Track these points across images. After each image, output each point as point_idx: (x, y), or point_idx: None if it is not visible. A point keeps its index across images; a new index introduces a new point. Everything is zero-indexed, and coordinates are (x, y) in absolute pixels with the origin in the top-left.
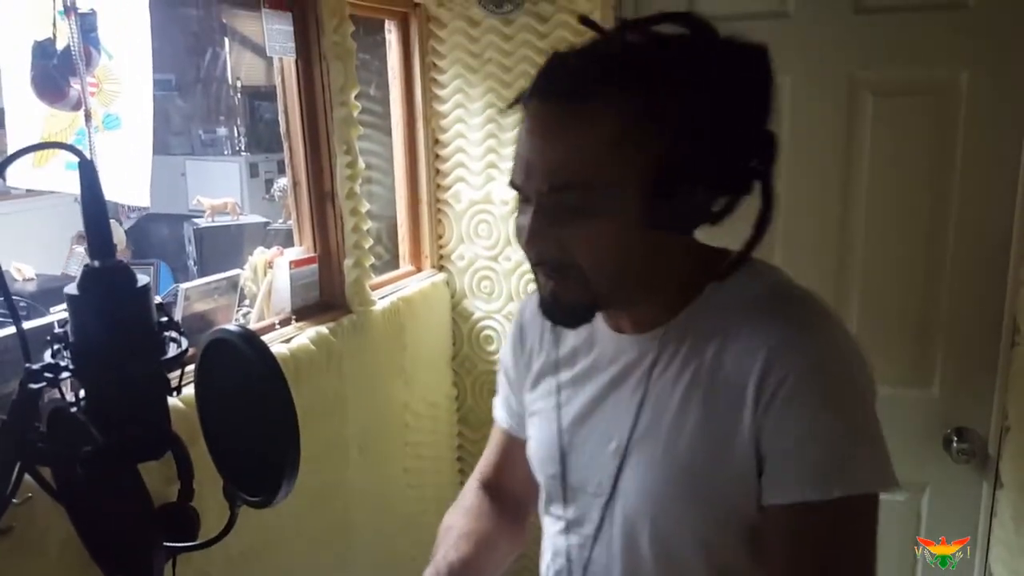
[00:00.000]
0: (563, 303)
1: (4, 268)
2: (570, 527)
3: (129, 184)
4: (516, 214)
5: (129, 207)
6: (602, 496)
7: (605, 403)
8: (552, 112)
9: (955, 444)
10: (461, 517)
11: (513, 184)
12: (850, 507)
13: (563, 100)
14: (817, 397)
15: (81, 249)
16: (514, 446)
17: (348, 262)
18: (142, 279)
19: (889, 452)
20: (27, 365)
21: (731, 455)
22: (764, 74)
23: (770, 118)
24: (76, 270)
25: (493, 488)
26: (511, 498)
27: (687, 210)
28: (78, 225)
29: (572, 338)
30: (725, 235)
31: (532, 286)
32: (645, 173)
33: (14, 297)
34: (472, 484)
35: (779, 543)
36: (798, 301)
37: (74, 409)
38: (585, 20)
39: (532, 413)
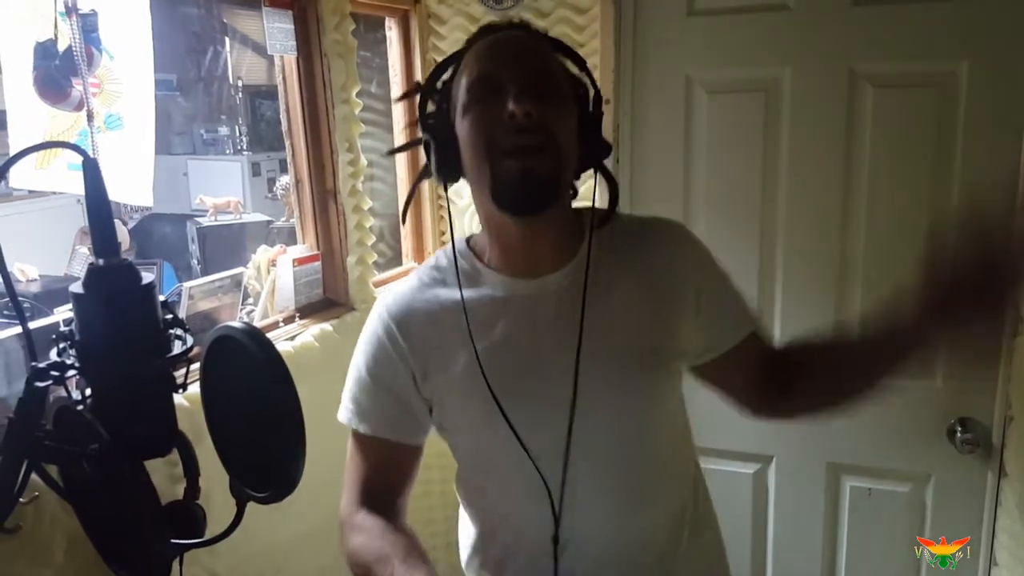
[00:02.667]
0: (537, 178)
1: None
2: (538, 474)
3: (132, 184)
4: (480, 110)
5: (132, 207)
6: (565, 406)
7: (543, 337)
8: (522, 36)
9: (959, 434)
10: (378, 540)
11: (483, 76)
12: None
13: (528, 33)
14: (717, 263)
15: (84, 249)
16: (391, 453)
17: (351, 259)
18: (146, 277)
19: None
20: (33, 364)
21: (684, 322)
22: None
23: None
24: (79, 270)
25: (376, 502)
26: (392, 504)
27: (598, 132)
28: (81, 226)
29: (479, 310)
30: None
31: (380, 293)
32: (578, 102)
33: (18, 298)
34: (354, 515)
35: (747, 370)
36: (661, 219)
37: (80, 407)
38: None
39: (462, 393)
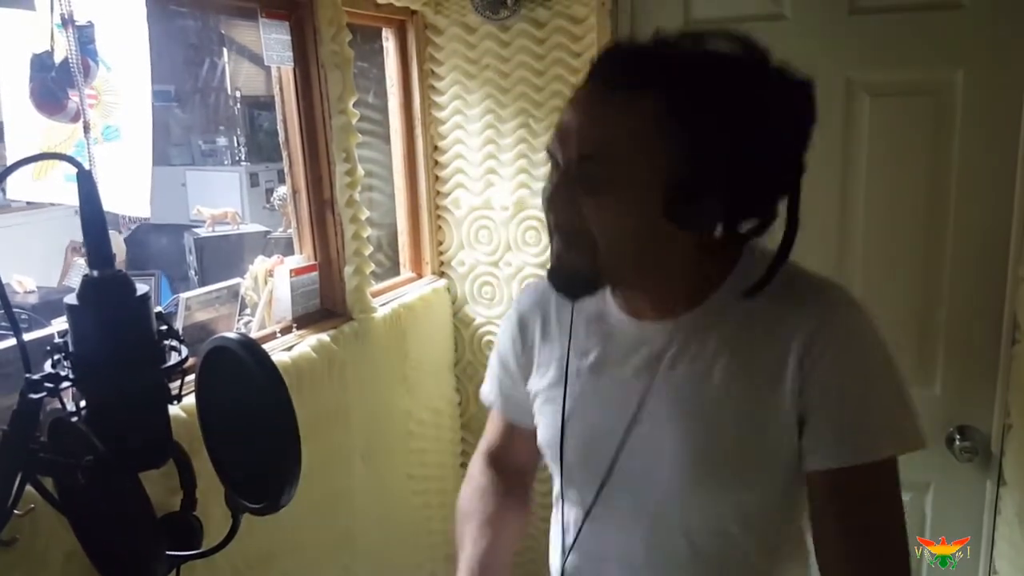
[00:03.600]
0: (567, 270)
1: (5, 280)
2: (580, 506)
3: (129, 195)
4: (546, 182)
5: (129, 218)
6: (631, 478)
7: (621, 386)
8: (597, 91)
9: (958, 442)
10: (477, 502)
11: (548, 150)
12: (883, 468)
13: (610, 83)
14: (856, 366)
15: (79, 260)
16: (512, 431)
17: (348, 269)
18: (141, 288)
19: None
20: (27, 375)
21: (774, 422)
22: (806, 109)
23: (805, 152)
24: (75, 281)
25: (498, 462)
26: (515, 472)
27: (702, 215)
28: (78, 237)
29: (585, 328)
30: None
31: (528, 280)
32: (670, 168)
33: (15, 310)
34: (478, 461)
35: (825, 504)
36: (822, 280)
37: (75, 419)
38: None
39: (543, 401)
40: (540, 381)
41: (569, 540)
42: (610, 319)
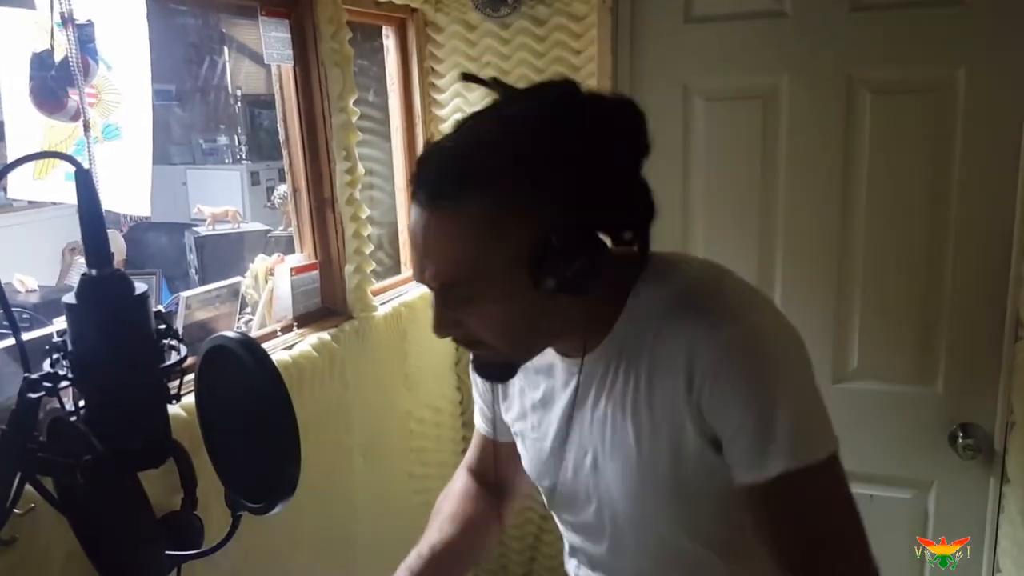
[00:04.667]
0: (486, 366)
1: (7, 280)
2: (575, 528)
3: (129, 194)
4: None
5: (130, 217)
6: (591, 503)
7: (575, 420)
8: (426, 217)
9: (961, 440)
10: (450, 499)
11: (415, 277)
12: (807, 474)
13: (433, 206)
14: (739, 380)
15: (80, 259)
16: (489, 445)
17: (349, 268)
18: (140, 287)
19: (822, 413)
20: (26, 375)
21: (685, 449)
22: (633, 128)
23: (640, 168)
24: (75, 281)
25: (478, 474)
26: (493, 485)
27: (574, 273)
28: (69, 241)
29: (535, 363)
30: (726, 243)
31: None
32: (523, 251)
33: (16, 309)
34: (461, 470)
35: (759, 515)
36: (709, 294)
37: (74, 418)
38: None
39: (516, 433)
40: (508, 413)
41: (567, 542)
42: (548, 355)
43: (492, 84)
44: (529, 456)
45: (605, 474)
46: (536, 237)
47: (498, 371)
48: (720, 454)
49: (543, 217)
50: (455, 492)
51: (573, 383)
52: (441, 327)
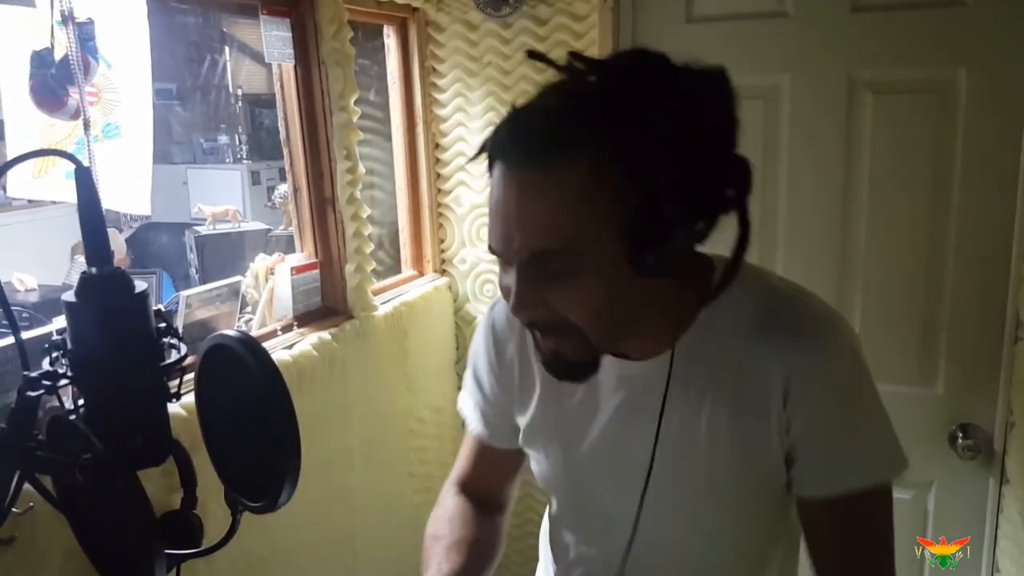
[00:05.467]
0: (567, 361)
1: (7, 279)
2: (591, 541)
3: (130, 193)
4: (500, 272)
5: (131, 216)
6: (628, 515)
7: (618, 429)
8: (520, 179)
9: (960, 440)
10: (446, 525)
11: (492, 249)
12: (873, 496)
13: (529, 166)
14: (834, 396)
15: (80, 258)
16: (491, 454)
17: (350, 267)
18: (140, 286)
19: (895, 434)
20: (25, 373)
21: (761, 462)
22: (726, 97)
23: (736, 141)
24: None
25: (471, 491)
26: (489, 500)
27: (672, 250)
28: (79, 235)
29: None
30: (727, 242)
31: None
32: (623, 225)
33: (16, 307)
34: (450, 490)
35: (815, 530)
36: (800, 309)
37: (73, 417)
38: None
39: (534, 436)
40: (524, 413)
41: (572, 556)
42: None
43: (569, 57)
44: (551, 463)
45: (657, 485)
46: (637, 207)
47: (580, 370)
48: (789, 470)
49: (647, 185)
50: (451, 517)
51: (628, 387)
52: (522, 306)
